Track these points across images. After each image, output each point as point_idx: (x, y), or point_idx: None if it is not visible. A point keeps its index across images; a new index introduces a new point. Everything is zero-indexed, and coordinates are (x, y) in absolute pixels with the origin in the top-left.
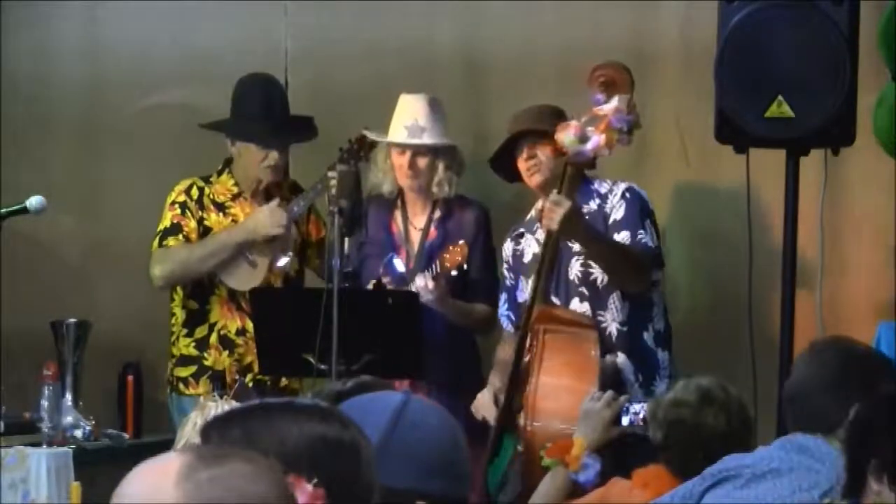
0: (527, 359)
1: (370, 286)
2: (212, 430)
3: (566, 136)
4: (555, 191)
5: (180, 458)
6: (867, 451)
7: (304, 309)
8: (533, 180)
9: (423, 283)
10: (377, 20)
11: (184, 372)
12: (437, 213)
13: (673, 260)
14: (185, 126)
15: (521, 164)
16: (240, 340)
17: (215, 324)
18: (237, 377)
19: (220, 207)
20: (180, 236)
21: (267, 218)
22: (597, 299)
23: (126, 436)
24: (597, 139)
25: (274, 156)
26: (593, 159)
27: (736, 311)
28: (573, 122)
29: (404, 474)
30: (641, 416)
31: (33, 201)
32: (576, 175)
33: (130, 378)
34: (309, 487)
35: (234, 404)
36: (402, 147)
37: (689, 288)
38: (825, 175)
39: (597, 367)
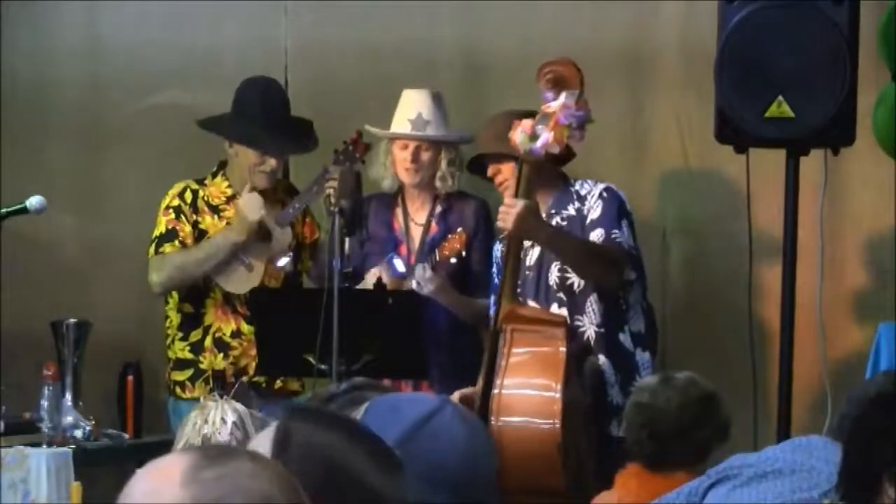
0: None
1: (371, 275)
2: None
3: (518, 134)
4: (508, 192)
5: (185, 457)
6: (880, 455)
7: (304, 309)
8: (506, 195)
9: (421, 273)
10: (377, 20)
11: (180, 376)
12: (438, 209)
13: (673, 260)
14: (185, 126)
15: (493, 179)
16: (235, 343)
17: (210, 327)
18: (236, 379)
19: (215, 210)
20: (176, 242)
21: (244, 206)
22: (574, 304)
23: (126, 436)
24: (546, 136)
25: (271, 163)
26: (563, 156)
27: (736, 310)
28: (526, 121)
29: (413, 484)
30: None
31: (33, 201)
32: (532, 174)
33: (130, 378)
34: None
35: (234, 405)
36: (407, 139)
37: (689, 287)
38: (825, 175)
39: (563, 362)
